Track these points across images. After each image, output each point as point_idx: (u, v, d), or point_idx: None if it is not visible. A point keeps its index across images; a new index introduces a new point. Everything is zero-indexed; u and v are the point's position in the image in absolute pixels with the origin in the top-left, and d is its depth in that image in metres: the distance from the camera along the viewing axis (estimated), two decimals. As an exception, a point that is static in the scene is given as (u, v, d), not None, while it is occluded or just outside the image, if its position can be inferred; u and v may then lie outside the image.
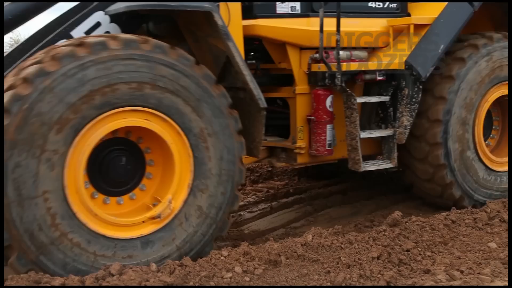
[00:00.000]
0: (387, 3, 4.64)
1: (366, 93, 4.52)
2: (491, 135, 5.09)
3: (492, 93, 4.71)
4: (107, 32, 3.71)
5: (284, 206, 5.27)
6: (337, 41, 4.04)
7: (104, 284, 2.87)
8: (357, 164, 4.20)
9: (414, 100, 4.36)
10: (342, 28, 4.13)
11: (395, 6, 4.67)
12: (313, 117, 4.23)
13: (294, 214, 5.04)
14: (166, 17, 3.84)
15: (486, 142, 4.95)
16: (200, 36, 3.86)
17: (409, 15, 4.72)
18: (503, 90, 4.79)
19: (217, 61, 3.85)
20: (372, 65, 4.36)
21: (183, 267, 3.10)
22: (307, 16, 4.22)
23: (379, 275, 3.14)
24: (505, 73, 4.71)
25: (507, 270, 3.20)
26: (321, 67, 4.17)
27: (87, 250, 3.08)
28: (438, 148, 4.43)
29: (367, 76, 4.33)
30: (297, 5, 4.21)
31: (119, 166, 3.36)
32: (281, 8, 4.19)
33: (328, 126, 4.21)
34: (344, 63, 4.19)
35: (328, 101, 4.19)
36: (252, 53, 4.45)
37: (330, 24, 4.05)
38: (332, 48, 4.20)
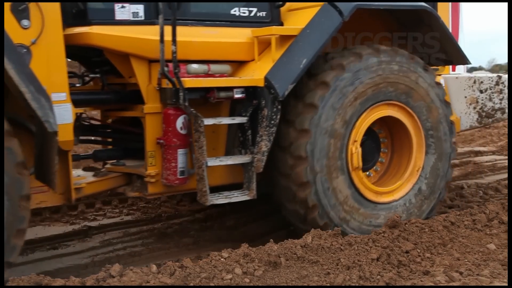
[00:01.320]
0: (255, 11, 4.08)
1: (232, 114, 4.01)
2: (380, 159, 4.47)
3: (368, 117, 4.07)
4: None
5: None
6: (173, 52, 3.54)
7: (105, 285, 2.88)
8: (203, 197, 3.65)
9: (272, 122, 3.78)
10: (198, 39, 3.81)
11: (264, 14, 4.11)
12: (162, 141, 3.72)
13: (294, 215, 5.04)
14: None
15: (374, 167, 4.43)
16: None
17: (281, 24, 4.19)
18: (382, 112, 4.14)
19: None
20: (226, 81, 3.80)
21: (183, 269, 3.12)
22: (153, 23, 3.68)
23: (378, 277, 3.16)
24: (383, 93, 4.07)
25: (506, 271, 3.21)
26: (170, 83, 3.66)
27: None
28: (302, 162, 3.83)
29: (222, 94, 3.76)
30: (140, 10, 3.69)
31: None
32: (120, 13, 3.64)
33: (180, 151, 3.69)
34: (188, 79, 3.65)
35: (179, 122, 3.67)
36: (107, 66, 3.94)
37: (180, 33, 3.62)
38: (185, 61, 3.73)
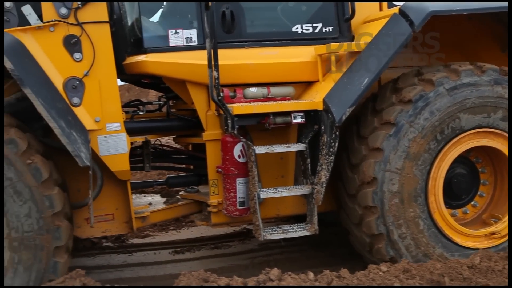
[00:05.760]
0: (319, 27, 3.78)
1: (299, 139, 3.70)
2: (478, 193, 3.91)
3: (458, 146, 3.58)
4: None
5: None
6: (215, 78, 3.40)
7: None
8: (257, 231, 3.43)
9: (331, 150, 3.45)
10: (255, 61, 3.63)
11: (330, 30, 3.79)
12: (220, 169, 3.60)
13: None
14: None
15: (472, 202, 3.90)
16: None
17: (352, 39, 3.82)
18: (477, 141, 3.61)
19: None
20: (280, 105, 3.51)
21: (341, 279, 3.10)
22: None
23: (562, 309, 2.78)
24: (480, 118, 3.56)
25: None
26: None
27: None
28: (369, 185, 3.50)
29: (279, 120, 3.51)
30: (194, 35, 3.58)
31: None
32: (174, 39, 3.57)
33: (239, 181, 3.51)
34: (236, 105, 3.47)
35: (237, 150, 3.50)
36: (173, 92, 3.86)
37: (236, 56, 3.56)
38: (243, 85, 3.59)
